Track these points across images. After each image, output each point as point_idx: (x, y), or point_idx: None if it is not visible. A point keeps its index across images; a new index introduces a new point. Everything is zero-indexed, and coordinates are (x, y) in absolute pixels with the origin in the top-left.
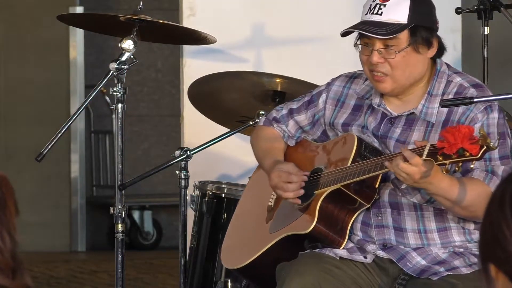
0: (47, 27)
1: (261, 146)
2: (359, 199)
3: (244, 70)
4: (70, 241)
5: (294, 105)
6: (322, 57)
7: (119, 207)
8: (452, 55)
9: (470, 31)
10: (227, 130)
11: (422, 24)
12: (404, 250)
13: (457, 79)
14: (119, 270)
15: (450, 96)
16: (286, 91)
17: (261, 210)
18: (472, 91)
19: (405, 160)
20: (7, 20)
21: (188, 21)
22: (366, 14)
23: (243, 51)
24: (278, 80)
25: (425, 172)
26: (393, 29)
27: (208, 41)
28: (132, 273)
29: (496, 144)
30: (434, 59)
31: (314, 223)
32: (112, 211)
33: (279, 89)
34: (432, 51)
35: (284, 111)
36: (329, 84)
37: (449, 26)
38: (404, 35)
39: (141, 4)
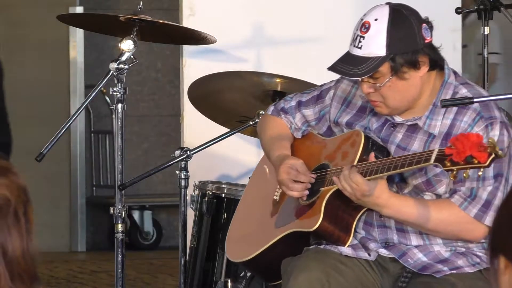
0: (47, 27)
1: (269, 136)
2: None
3: (244, 70)
4: (70, 241)
5: (304, 97)
6: (321, 57)
7: (119, 207)
8: (452, 55)
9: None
10: (227, 130)
11: (402, 50)
12: (406, 247)
13: (463, 91)
14: (119, 270)
15: (455, 108)
16: (286, 91)
17: (266, 203)
18: (475, 106)
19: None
20: (7, 20)
21: (188, 21)
22: (350, 45)
23: (243, 51)
24: (278, 80)
25: (368, 191)
26: (371, 65)
27: (208, 41)
28: (132, 273)
29: (505, 152)
30: (441, 67)
31: (320, 221)
32: (112, 211)
33: (279, 89)
34: (423, 70)
35: (293, 103)
36: (338, 81)
37: (449, 26)
38: (385, 67)
39: (141, 4)
